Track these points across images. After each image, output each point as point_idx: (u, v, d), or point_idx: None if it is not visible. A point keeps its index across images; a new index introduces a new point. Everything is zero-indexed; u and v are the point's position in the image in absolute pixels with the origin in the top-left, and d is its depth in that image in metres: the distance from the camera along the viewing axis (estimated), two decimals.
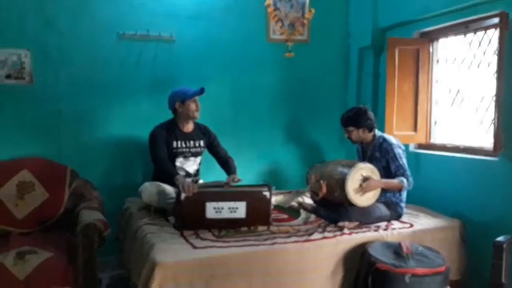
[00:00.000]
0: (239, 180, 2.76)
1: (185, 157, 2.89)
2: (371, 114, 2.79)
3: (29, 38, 2.90)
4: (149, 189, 2.64)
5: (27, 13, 2.88)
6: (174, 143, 2.84)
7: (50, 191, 2.72)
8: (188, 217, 2.37)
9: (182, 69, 3.28)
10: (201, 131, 3.01)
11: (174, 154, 2.84)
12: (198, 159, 2.99)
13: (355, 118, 2.76)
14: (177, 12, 3.24)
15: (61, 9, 2.96)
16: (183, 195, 2.35)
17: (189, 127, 2.93)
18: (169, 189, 2.66)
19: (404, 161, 2.68)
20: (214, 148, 3.04)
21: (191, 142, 2.91)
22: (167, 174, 2.65)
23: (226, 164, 2.98)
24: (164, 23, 3.20)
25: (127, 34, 3.11)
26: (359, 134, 2.78)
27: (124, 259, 2.65)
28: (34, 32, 2.91)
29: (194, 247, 2.11)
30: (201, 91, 2.82)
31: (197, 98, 2.85)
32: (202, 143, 2.97)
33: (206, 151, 3.05)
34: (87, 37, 3.04)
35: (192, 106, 2.83)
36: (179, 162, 2.87)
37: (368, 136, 2.80)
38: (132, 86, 3.17)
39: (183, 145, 2.88)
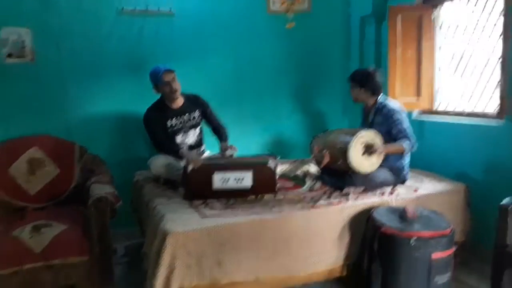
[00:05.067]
0: (235, 149, 2.74)
1: (184, 132, 2.90)
2: (378, 78, 2.77)
3: (28, 16, 2.88)
4: (158, 161, 2.68)
5: None
6: (168, 122, 2.82)
7: (60, 167, 2.77)
8: (196, 188, 2.42)
9: (182, 43, 3.27)
10: (192, 102, 2.95)
11: (172, 133, 2.84)
12: (198, 129, 2.98)
13: (358, 76, 2.79)
14: None
15: None
16: (190, 167, 2.39)
17: (178, 102, 2.88)
18: (177, 161, 2.70)
19: (405, 125, 2.66)
20: (207, 117, 3.01)
21: (185, 116, 2.89)
22: (171, 153, 2.68)
23: (218, 132, 2.98)
24: None
25: (126, 10, 3.08)
26: (359, 93, 2.80)
27: (143, 230, 2.71)
28: (33, 9, 2.89)
29: (204, 216, 2.16)
30: (162, 74, 2.73)
31: (171, 78, 2.76)
32: (196, 114, 2.95)
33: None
34: (87, 13, 3.01)
35: (166, 89, 2.77)
36: (179, 138, 2.88)
37: (369, 98, 2.80)
38: (134, 61, 3.17)
39: (178, 122, 2.86)
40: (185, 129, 2.89)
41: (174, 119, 2.85)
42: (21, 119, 2.92)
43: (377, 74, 2.79)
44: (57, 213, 2.48)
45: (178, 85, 2.81)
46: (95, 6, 3.03)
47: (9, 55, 2.87)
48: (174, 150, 2.69)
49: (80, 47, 3.03)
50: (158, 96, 2.91)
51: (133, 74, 3.18)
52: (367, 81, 2.75)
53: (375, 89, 2.77)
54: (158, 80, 2.77)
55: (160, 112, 2.82)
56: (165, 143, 2.77)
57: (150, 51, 3.21)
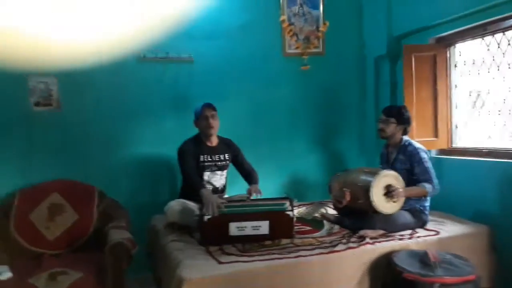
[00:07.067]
0: (260, 193, 2.78)
1: (212, 170, 2.94)
2: (410, 117, 2.85)
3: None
4: (173, 207, 2.69)
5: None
6: (201, 157, 2.91)
7: (79, 212, 2.81)
8: (211, 235, 2.41)
9: (202, 87, 3.36)
10: (225, 145, 3.05)
11: (201, 168, 2.90)
12: (225, 172, 3.03)
13: (401, 113, 2.80)
14: (195, 34, 3.33)
15: None
16: (205, 217, 2.39)
17: (213, 141, 2.99)
18: (193, 206, 2.71)
19: (429, 165, 2.67)
20: (238, 161, 3.08)
21: (216, 156, 2.97)
22: (194, 187, 2.71)
23: (249, 176, 3.02)
24: (183, 45, 3.30)
25: (147, 57, 3.22)
26: (395, 129, 2.79)
27: (156, 276, 2.70)
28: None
29: (220, 262, 2.14)
30: (202, 107, 2.88)
31: (209, 115, 2.87)
32: (226, 156, 3.02)
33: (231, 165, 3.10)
34: (109, 61, 3.14)
35: (203, 123, 2.88)
36: (206, 176, 2.93)
37: (398, 137, 2.81)
38: (155, 106, 3.27)
39: (209, 159, 2.93)
40: (213, 168, 2.95)
41: (206, 155, 2.93)
42: (45, 164, 3.00)
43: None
44: (73, 260, 2.49)
45: (215, 123, 2.90)
46: (118, 54, 3.16)
47: (36, 104, 2.99)
48: (197, 184, 2.72)
49: (103, 94, 3.15)
50: (178, 138, 2.98)
51: (154, 118, 3.28)
52: (403, 118, 2.78)
53: (408, 127, 2.81)
54: (198, 112, 2.90)
55: (195, 145, 2.92)
56: (193, 174, 2.81)
57: (171, 96, 3.31)
